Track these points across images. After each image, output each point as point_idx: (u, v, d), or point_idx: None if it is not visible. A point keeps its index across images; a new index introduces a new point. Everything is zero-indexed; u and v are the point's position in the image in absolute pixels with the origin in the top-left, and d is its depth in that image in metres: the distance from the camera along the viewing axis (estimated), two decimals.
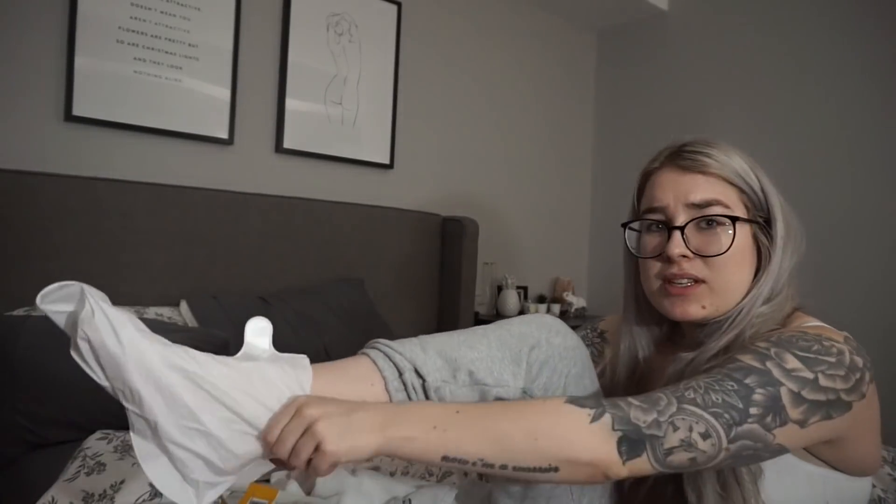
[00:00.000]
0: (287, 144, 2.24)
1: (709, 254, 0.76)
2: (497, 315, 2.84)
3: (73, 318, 0.60)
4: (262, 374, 0.64)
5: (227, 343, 1.65)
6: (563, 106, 3.26)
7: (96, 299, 0.60)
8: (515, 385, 0.73)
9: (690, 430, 0.60)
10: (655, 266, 0.81)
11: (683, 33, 3.01)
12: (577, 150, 3.35)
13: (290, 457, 0.60)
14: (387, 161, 2.51)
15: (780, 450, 0.64)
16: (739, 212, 0.77)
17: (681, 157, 0.80)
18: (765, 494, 0.69)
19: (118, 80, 1.87)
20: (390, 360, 0.72)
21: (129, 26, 1.88)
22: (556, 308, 3.06)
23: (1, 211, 1.59)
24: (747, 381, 0.63)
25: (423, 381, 0.71)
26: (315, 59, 2.29)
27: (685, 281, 0.77)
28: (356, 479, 0.95)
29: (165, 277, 1.84)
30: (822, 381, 0.63)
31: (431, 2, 2.67)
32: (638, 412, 0.61)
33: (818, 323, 0.74)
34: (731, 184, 0.77)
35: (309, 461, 0.59)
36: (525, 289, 3.03)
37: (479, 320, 2.66)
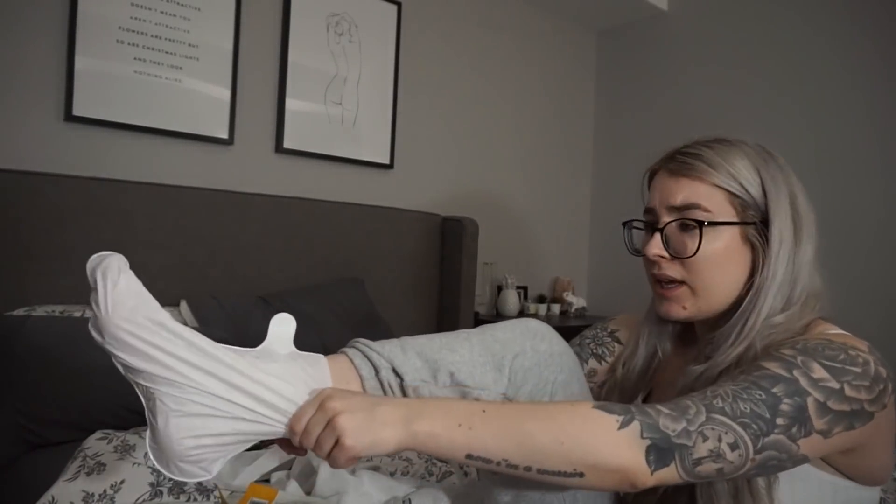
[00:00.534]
0: (287, 144, 2.24)
1: (682, 255, 0.77)
2: (497, 315, 2.84)
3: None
4: (282, 370, 0.65)
5: (227, 343, 1.65)
6: (563, 106, 3.26)
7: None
8: (496, 390, 0.72)
9: (719, 440, 0.60)
10: (646, 266, 0.83)
11: (683, 33, 3.01)
12: (577, 150, 3.35)
13: (314, 448, 0.61)
14: (387, 161, 2.51)
15: (803, 460, 0.63)
16: (724, 214, 0.76)
17: (672, 160, 0.81)
18: (777, 501, 0.69)
19: (118, 80, 1.87)
20: (368, 358, 0.72)
21: (129, 26, 1.88)
22: (556, 308, 3.07)
23: (1, 211, 1.59)
24: (775, 390, 0.62)
25: (401, 380, 0.70)
26: (315, 59, 2.29)
27: (667, 282, 0.79)
28: (356, 479, 0.95)
29: (165, 277, 1.84)
30: (848, 392, 0.63)
31: (431, 2, 2.67)
32: (667, 420, 0.60)
33: (839, 331, 0.73)
34: (718, 187, 0.76)
35: (330, 453, 0.60)
36: (525, 289, 3.03)
37: (479, 320, 2.66)
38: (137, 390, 0.62)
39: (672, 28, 3.05)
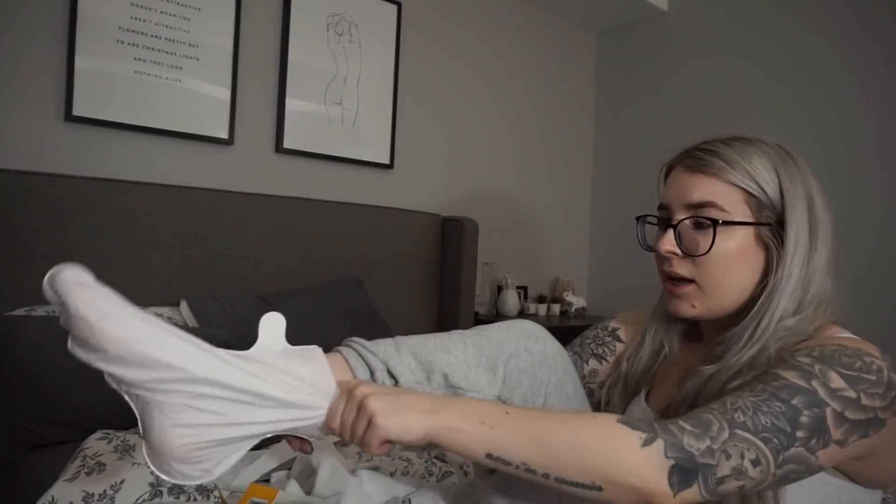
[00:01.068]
0: (287, 144, 2.24)
1: (694, 253, 0.76)
2: (497, 315, 2.84)
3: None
4: (280, 367, 0.65)
5: (227, 343, 1.65)
6: (563, 106, 3.26)
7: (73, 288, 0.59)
8: (490, 392, 0.72)
9: (742, 457, 0.59)
10: (657, 262, 0.82)
11: (683, 33, 3.01)
12: (577, 150, 3.35)
13: (349, 436, 0.62)
14: (387, 161, 2.51)
15: (819, 469, 0.63)
16: (740, 214, 0.75)
17: (690, 157, 0.79)
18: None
19: (118, 80, 1.87)
20: (363, 359, 0.72)
21: (129, 26, 1.88)
22: (556, 308, 3.06)
23: (1, 211, 1.59)
24: (794, 401, 0.62)
25: (396, 381, 0.71)
26: (315, 59, 2.29)
27: (677, 279, 0.78)
28: (356, 479, 0.95)
29: (165, 277, 1.84)
30: (864, 401, 0.63)
31: (431, 2, 2.67)
32: (691, 439, 0.59)
33: (849, 335, 0.73)
34: (735, 185, 0.75)
35: (363, 437, 0.61)
36: (525, 289, 3.03)
37: (479, 320, 2.66)
38: (129, 400, 0.62)
39: (672, 28, 3.05)
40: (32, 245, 1.63)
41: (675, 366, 0.87)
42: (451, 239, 2.47)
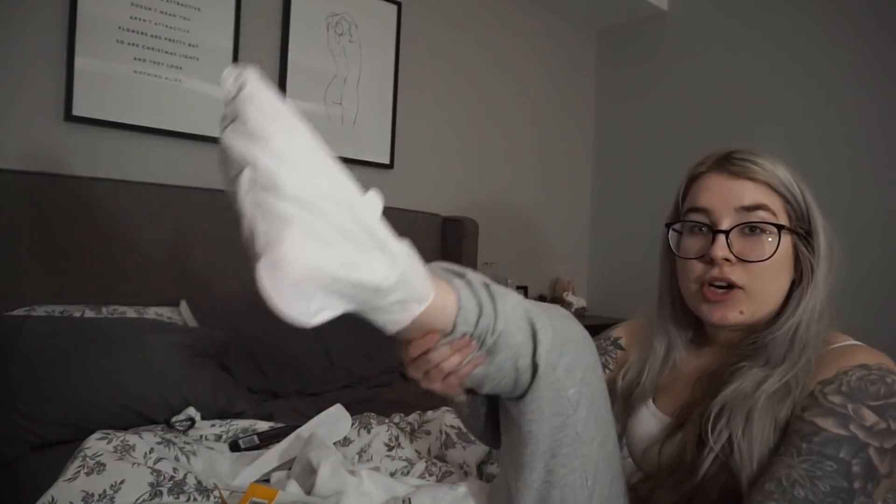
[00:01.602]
0: None
1: (750, 259, 0.76)
2: None
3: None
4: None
5: (227, 343, 1.65)
6: (563, 106, 3.26)
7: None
8: (544, 344, 0.70)
9: None
10: (696, 269, 0.80)
11: (683, 33, 3.01)
12: (578, 150, 3.35)
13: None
14: (387, 161, 2.51)
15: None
16: (784, 220, 0.77)
17: (730, 163, 0.80)
18: None
19: (118, 80, 1.87)
20: (445, 269, 0.71)
21: (129, 26, 1.88)
22: None
23: (1, 211, 1.59)
24: (842, 455, 0.64)
25: (487, 285, 0.69)
26: (315, 59, 2.29)
27: (723, 285, 0.77)
28: (356, 478, 0.94)
29: (165, 277, 1.84)
30: (893, 426, 0.65)
31: (431, 2, 2.67)
32: None
33: (854, 342, 0.75)
34: (777, 192, 0.77)
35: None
36: (525, 289, 3.03)
37: None
38: (256, 210, 0.56)
39: (672, 28, 3.05)
40: (32, 245, 1.63)
41: (683, 370, 0.87)
42: (451, 239, 2.47)
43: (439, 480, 1.08)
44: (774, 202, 0.77)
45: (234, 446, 1.23)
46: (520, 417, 0.71)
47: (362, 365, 1.87)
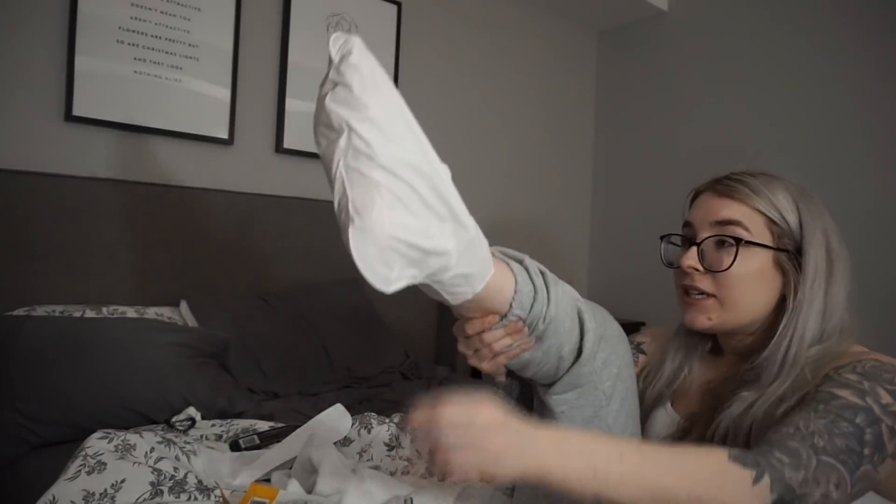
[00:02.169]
0: (287, 144, 2.23)
1: (716, 269, 0.81)
2: None
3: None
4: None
5: (227, 343, 1.65)
6: (563, 106, 3.26)
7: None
8: (589, 338, 0.74)
9: (828, 482, 0.62)
10: (678, 276, 0.87)
11: (683, 33, 3.01)
12: (578, 150, 3.35)
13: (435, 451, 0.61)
14: None
15: (878, 485, 0.67)
16: (762, 238, 0.80)
17: (720, 183, 0.85)
18: None
19: (118, 80, 1.87)
20: (504, 253, 0.74)
21: (129, 26, 1.88)
22: None
23: (1, 211, 1.59)
24: (858, 420, 0.65)
25: (544, 273, 0.73)
26: (315, 59, 2.29)
27: (696, 293, 0.83)
28: (357, 477, 0.94)
29: (165, 277, 1.84)
30: None
31: (431, 2, 2.67)
32: (791, 471, 0.62)
33: (878, 354, 0.77)
34: (758, 211, 0.80)
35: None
36: None
37: None
38: (346, 175, 0.58)
39: (672, 28, 3.05)
40: (32, 245, 1.63)
41: (697, 379, 0.91)
42: None
43: (441, 479, 1.08)
44: (753, 220, 0.80)
45: (235, 446, 1.23)
46: (555, 406, 0.75)
47: (362, 365, 1.87)
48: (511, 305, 0.69)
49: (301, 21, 2.25)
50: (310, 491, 0.95)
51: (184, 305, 1.79)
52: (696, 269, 0.82)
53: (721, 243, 0.81)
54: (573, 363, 0.73)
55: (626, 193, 3.23)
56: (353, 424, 1.28)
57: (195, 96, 2.02)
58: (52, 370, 1.31)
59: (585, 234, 3.41)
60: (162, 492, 0.95)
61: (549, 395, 0.75)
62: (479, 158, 2.88)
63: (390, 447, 1.20)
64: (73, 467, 0.97)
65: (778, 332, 0.78)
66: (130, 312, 1.68)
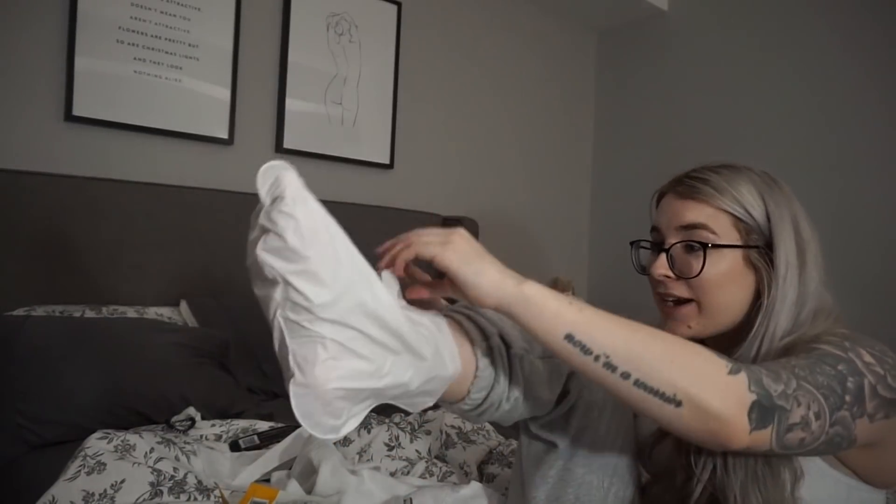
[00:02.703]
0: (287, 144, 2.23)
1: (687, 275, 0.79)
2: None
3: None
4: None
5: (227, 343, 1.65)
6: (563, 106, 3.25)
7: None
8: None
9: (808, 407, 0.60)
10: (653, 283, 0.84)
11: (683, 33, 3.01)
12: (578, 150, 3.35)
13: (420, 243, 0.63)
14: (387, 161, 2.51)
15: (854, 442, 0.64)
16: (729, 237, 0.78)
17: (680, 184, 0.83)
18: (798, 498, 0.70)
19: (118, 80, 1.87)
20: (476, 324, 0.73)
21: (129, 26, 1.88)
22: None
23: (1, 211, 1.59)
24: (839, 367, 0.64)
25: (509, 348, 0.72)
26: (315, 59, 2.29)
27: (670, 300, 0.81)
28: (357, 478, 0.95)
29: (165, 277, 1.84)
30: (890, 381, 0.65)
31: (431, 2, 2.67)
32: (769, 380, 0.60)
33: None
34: (723, 210, 0.78)
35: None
36: None
37: None
38: (285, 329, 0.55)
39: (672, 28, 3.05)
40: (32, 245, 1.63)
41: None
42: None
43: (440, 480, 1.08)
44: (718, 220, 0.78)
45: (235, 446, 1.23)
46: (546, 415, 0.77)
47: None
48: (469, 390, 0.70)
49: (301, 21, 2.25)
50: (310, 491, 0.95)
51: (184, 305, 1.79)
52: (668, 277, 0.81)
53: (689, 248, 0.79)
54: (563, 396, 0.76)
55: (625, 192, 3.22)
56: None
57: (195, 96, 2.02)
58: (52, 370, 1.31)
59: (585, 232, 3.41)
60: (161, 492, 0.95)
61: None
62: (479, 158, 2.88)
63: (390, 447, 1.20)
64: (72, 467, 0.97)
65: (752, 333, 0.76)
66: (130, 312, 1.68)
